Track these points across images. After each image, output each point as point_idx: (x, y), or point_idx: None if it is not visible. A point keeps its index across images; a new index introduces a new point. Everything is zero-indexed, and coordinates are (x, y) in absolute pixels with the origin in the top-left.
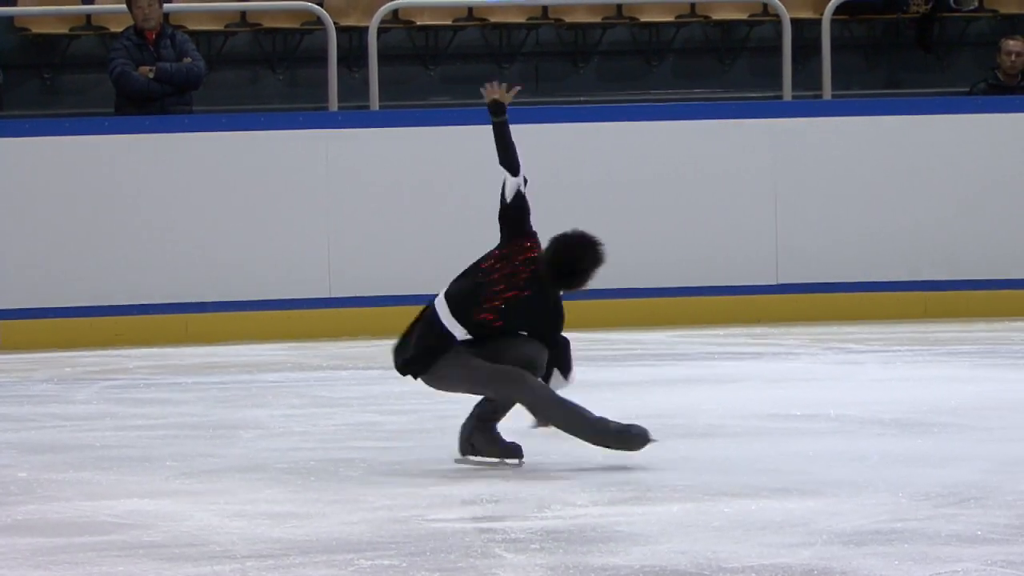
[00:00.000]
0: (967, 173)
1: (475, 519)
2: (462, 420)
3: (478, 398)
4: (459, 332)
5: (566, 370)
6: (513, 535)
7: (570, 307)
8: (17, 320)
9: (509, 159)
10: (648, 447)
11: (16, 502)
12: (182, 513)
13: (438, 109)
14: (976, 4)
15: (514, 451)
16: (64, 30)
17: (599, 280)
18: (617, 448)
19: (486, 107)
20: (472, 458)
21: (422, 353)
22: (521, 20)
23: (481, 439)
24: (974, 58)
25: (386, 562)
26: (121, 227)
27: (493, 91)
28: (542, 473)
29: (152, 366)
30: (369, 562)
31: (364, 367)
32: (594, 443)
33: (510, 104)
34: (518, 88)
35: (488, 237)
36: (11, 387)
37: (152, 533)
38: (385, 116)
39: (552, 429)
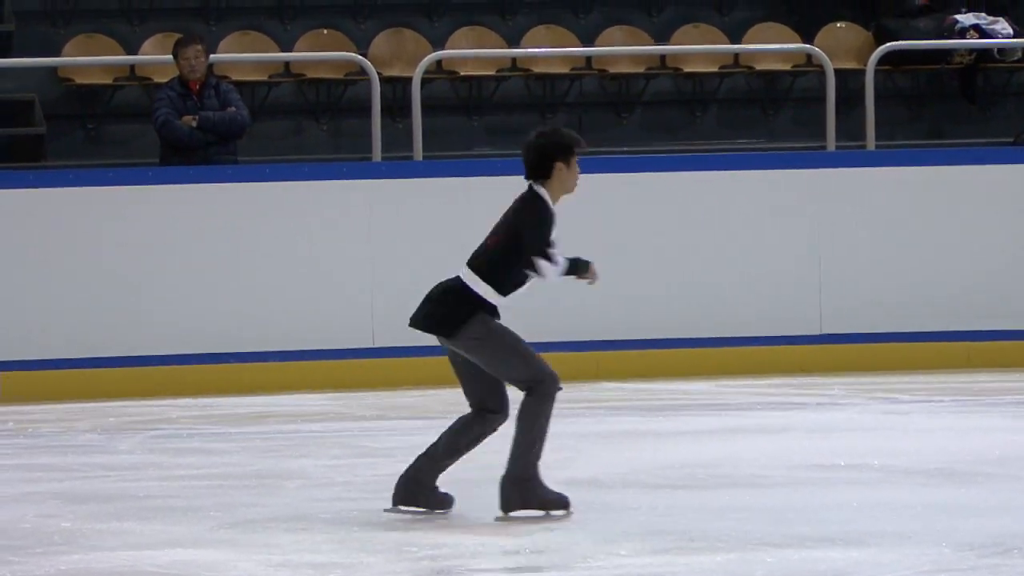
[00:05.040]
0: (1011, 223)
1: (518, 569)
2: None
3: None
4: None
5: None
6: None
7: (615, 357)
8: (61, 370)
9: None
10: (691, 497)
11: (60, 552)
12: (226, 563)
13: (482, 159)
14: (1020, 55)
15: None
16: (108, 80)
17: (642, 330)
18: (517, 508)
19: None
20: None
21: (450, 315)
22: (565, 71)
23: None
24: (1018, 108)
25: None
26: (165, 276)
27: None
28: (584, 523)
29: (195, 416)
30: None
31: (408, 417)
32: (516, 485)
33: None
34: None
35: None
36: (55, 437)
37: None
38: (428, 166)
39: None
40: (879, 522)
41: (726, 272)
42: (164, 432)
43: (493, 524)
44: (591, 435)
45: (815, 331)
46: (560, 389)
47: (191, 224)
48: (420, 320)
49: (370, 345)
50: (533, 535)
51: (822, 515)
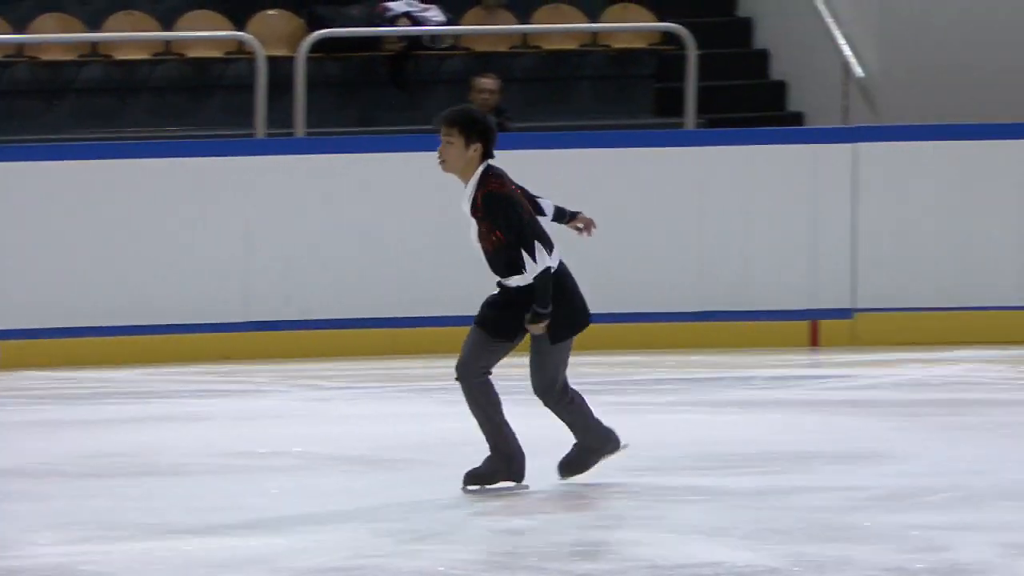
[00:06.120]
0: (436, 209)
1: None
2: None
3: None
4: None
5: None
6: None
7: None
8: None
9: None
10: (112, 485)
11: None
12: None
13: None
14: (451, 43)
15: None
16: None
17: (70, 318)
18: None
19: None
20: None
21: None
22: None
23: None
24: (449, 95)
25: None
26: None
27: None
28: (5, 512)
29: None
30: None
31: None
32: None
33: None
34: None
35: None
36: None
37: None
38: None
39: None
40: (299, 509)
41: (158, 261)
42: None
43: None
44: (11, 424)
45: (240, 319)
46: None
47: None
48: None
49: None
50: None
51: (242, 502)
